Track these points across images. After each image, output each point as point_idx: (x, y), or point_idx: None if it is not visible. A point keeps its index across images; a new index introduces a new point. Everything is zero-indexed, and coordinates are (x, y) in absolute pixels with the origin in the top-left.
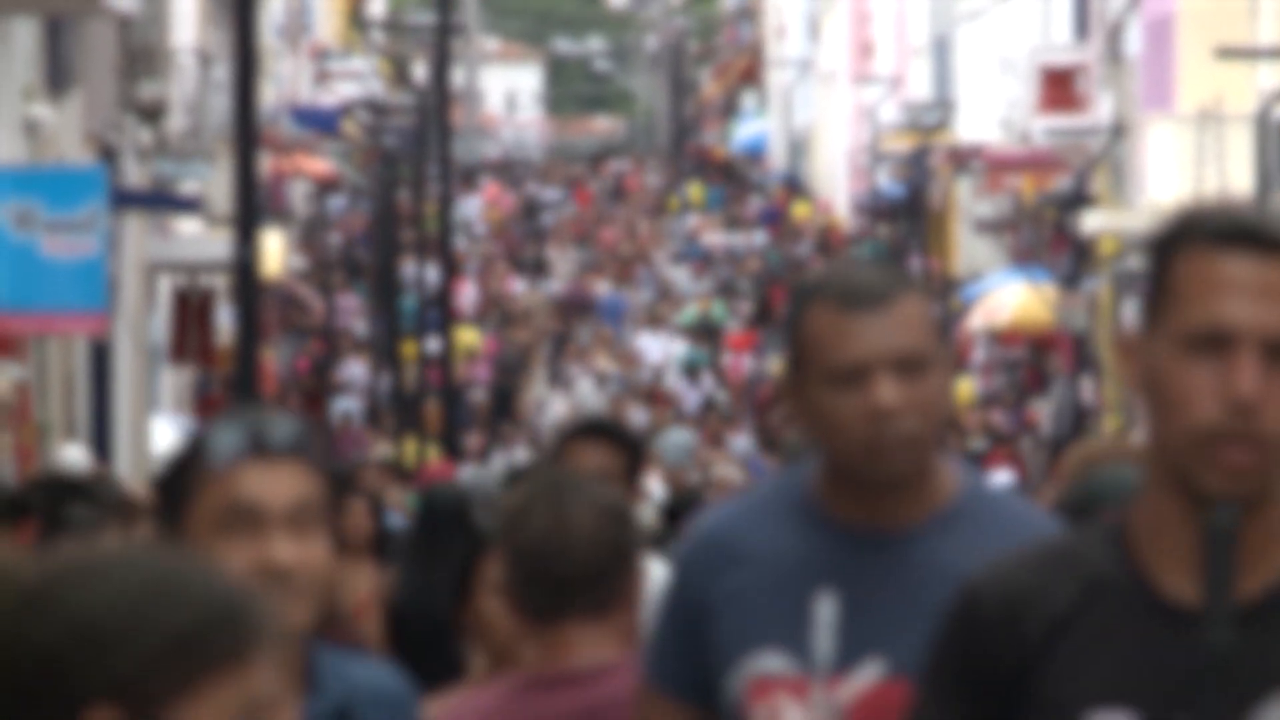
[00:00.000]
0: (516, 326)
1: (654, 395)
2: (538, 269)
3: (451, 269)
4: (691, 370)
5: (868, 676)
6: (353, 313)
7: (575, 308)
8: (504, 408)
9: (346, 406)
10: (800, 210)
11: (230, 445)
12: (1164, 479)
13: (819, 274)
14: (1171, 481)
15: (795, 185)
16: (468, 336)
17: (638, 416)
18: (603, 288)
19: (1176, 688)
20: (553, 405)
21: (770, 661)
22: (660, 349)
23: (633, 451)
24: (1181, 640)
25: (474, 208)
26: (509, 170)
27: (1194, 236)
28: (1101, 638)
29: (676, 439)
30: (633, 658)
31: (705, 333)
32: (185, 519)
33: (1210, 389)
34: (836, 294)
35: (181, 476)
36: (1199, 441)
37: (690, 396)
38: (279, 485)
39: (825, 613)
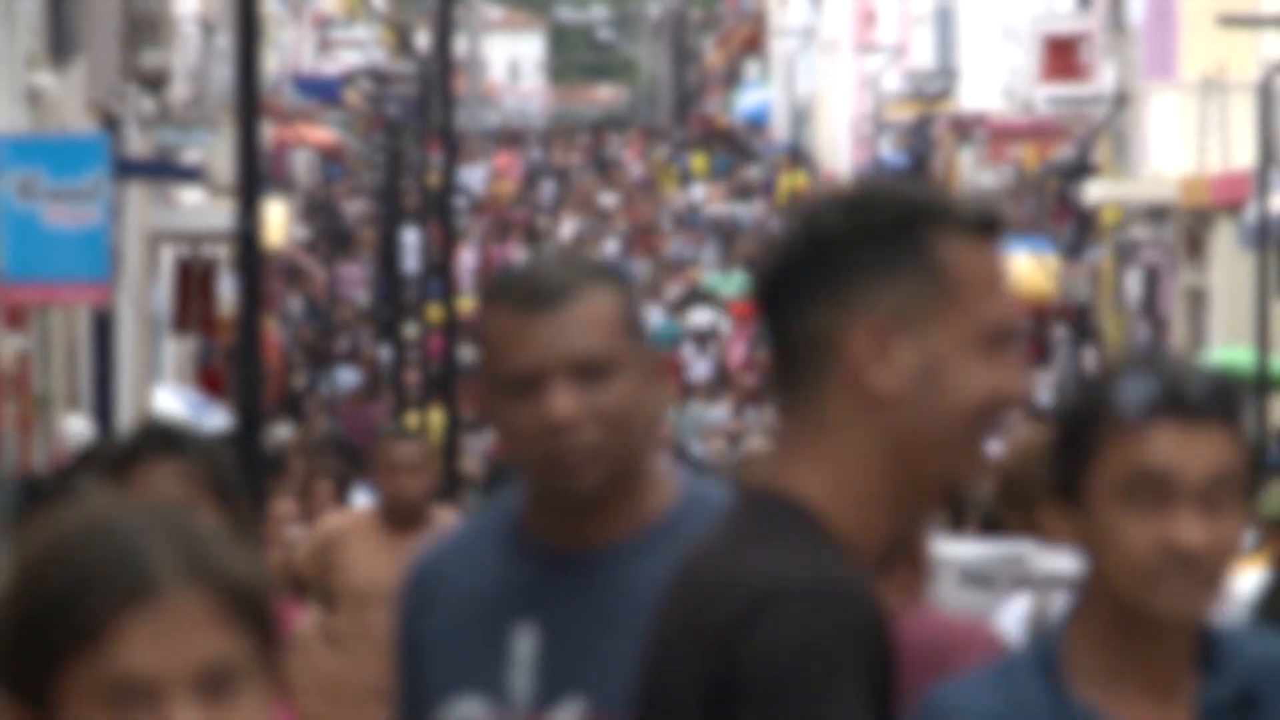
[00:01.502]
0: None
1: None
2: (532, 237)
3: (451, 238)
4: (668, 343)
5: (567, 717)
6: (354, 283)
7: None
8: None
9: (347, 377)
10: (795, 182)
11: (1144, 397)
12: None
13: (506, 270)
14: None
15: (798, 155)
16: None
17: None
18: (610, 252)
19: None
20: None
21: (467, 707)
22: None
23: None
24: None
25: (477, 177)
26: (518, 139)
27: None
28: None
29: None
30: (917, 607)
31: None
32: (1082, 477)
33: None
34: (513, 294)
35: (1081, 428)
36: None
37: (698, 365)
38: (1197, 452)
39: (523, 648)
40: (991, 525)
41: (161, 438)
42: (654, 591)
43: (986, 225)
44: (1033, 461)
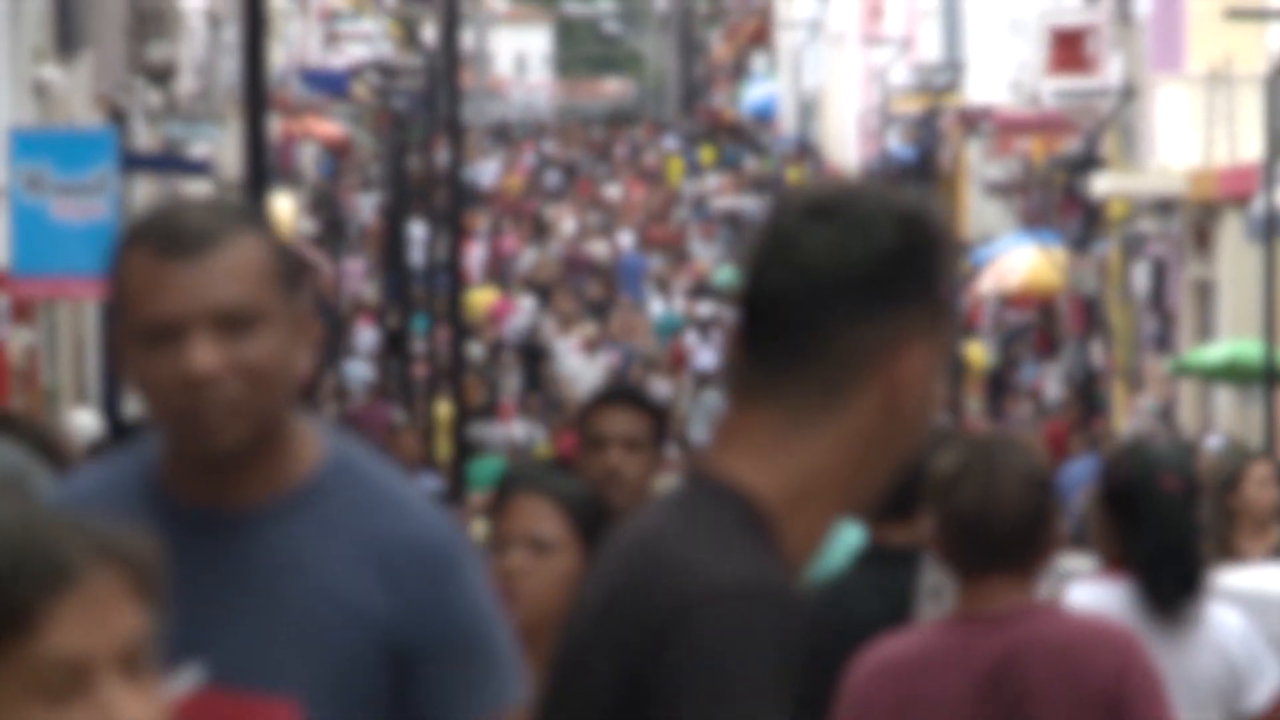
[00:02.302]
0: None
1: (671, 360)
2: (540, 230)
3: (460, 233)
4: (672, 333)
5: (184, 684)
6: (357, 277)
7: (578, 268)
8: (532, 372)
9: (358, 371)
10: (798, 176)
11: None
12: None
13: (148, 212)
14: None
15: (805, 148)
16: (481, 297)
17: (657, 386)
18: (625, 244)
19: None
20: (569, 363)
21: None
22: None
23: (657, 417)
24: None
25: (490, 172)
26: (525, 134)
27: None
28: None
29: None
30: (1043, 603)
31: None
32: None
33: None
34: (154, 238)
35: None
36: None
37: (702, 355)
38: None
39: None
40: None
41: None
42: (297, 558)
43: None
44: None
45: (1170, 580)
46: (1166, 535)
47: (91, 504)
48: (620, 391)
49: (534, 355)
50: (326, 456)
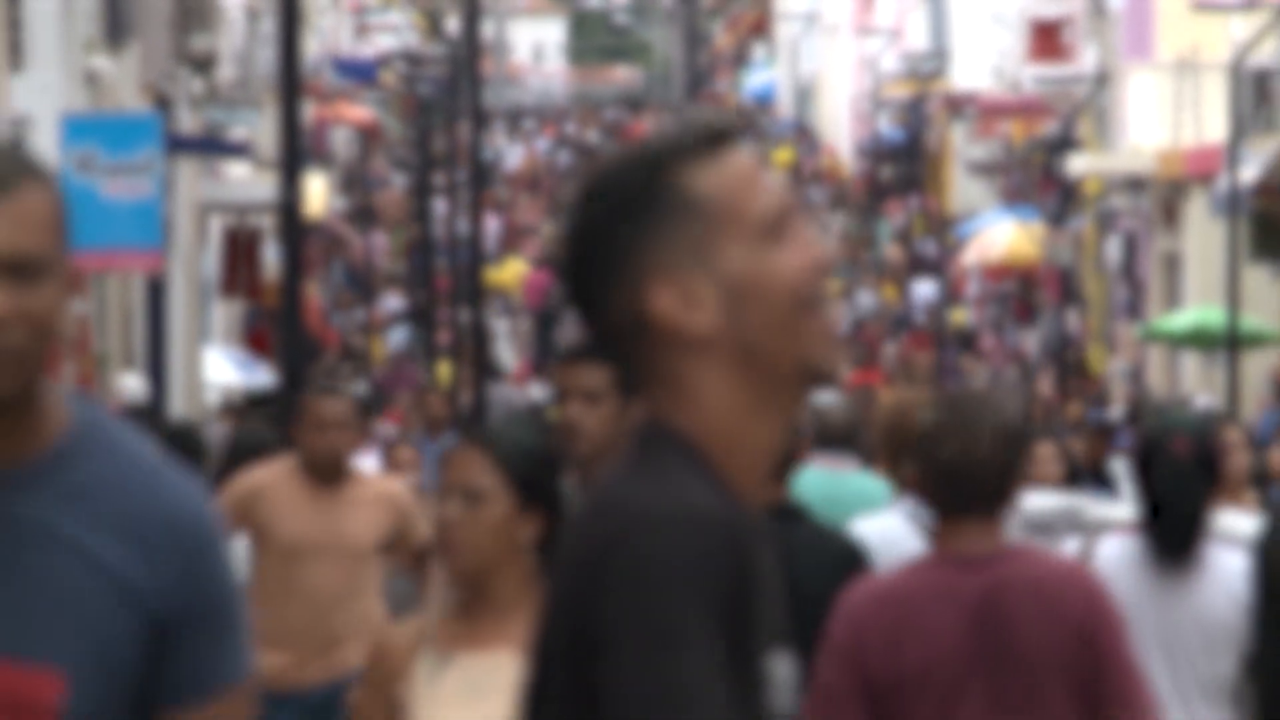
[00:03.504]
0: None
1: None
2: (557, 205)
3: (480, 209)
4: None
5: None
6: (382, 252)
7: None
8: (546, 335)
9: (399, 337)
10: (784, 156)
11: None
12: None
13: None
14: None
15: (802, 131)
16: (510, 270)
17: None
18: None
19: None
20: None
21: None
22: None
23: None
24: None
25: (516, 155)
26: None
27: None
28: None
29: None
30: (1017, 546)
31: None
32: None
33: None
34: None
35: None
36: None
37: None
38: None
39: None
40: (1079, 478)
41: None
42: (48, 528)
43: (716, 138)
44: (908, 418)
45: (1170, 533)
46: (1171, 493)
47: None
48: (579, 348)
49: (548, 322)
50: (74, 423)
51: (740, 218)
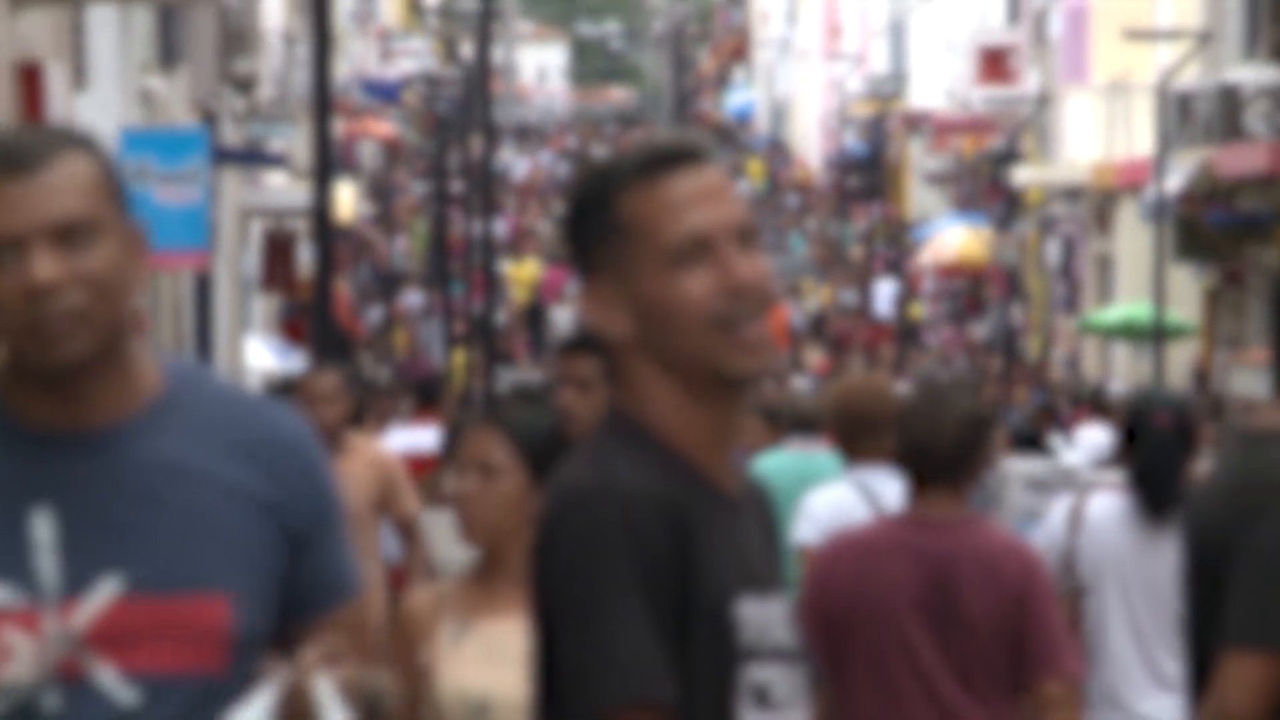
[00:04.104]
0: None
1: None
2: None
3: (491, 214)
4: None
5: (104, 596)
6: (403, 253)
7: None
8: (536, 326)
9: (428, 332)
10: (753, 168)
11: None
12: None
13: None
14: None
15: (777, 145)
16: (527, 269)
17: None
18: None
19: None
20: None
21: None
22: None
23: (608, 360)
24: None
25: (523, 168)
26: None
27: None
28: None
29: None
30: (973, 517)
31: None
32: None
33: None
34: None
35: None
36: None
37: None
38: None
39: (43, 532)
40: (1025, 443)
41: None
42: (175, 464)
43: (654, 163)
44: (879, 398)
45: (1153, 494)
46: (1152, 460)
47: None
48: (574, 339)
49: (536, 315)
50: (167, 372)
51: (653, 243)
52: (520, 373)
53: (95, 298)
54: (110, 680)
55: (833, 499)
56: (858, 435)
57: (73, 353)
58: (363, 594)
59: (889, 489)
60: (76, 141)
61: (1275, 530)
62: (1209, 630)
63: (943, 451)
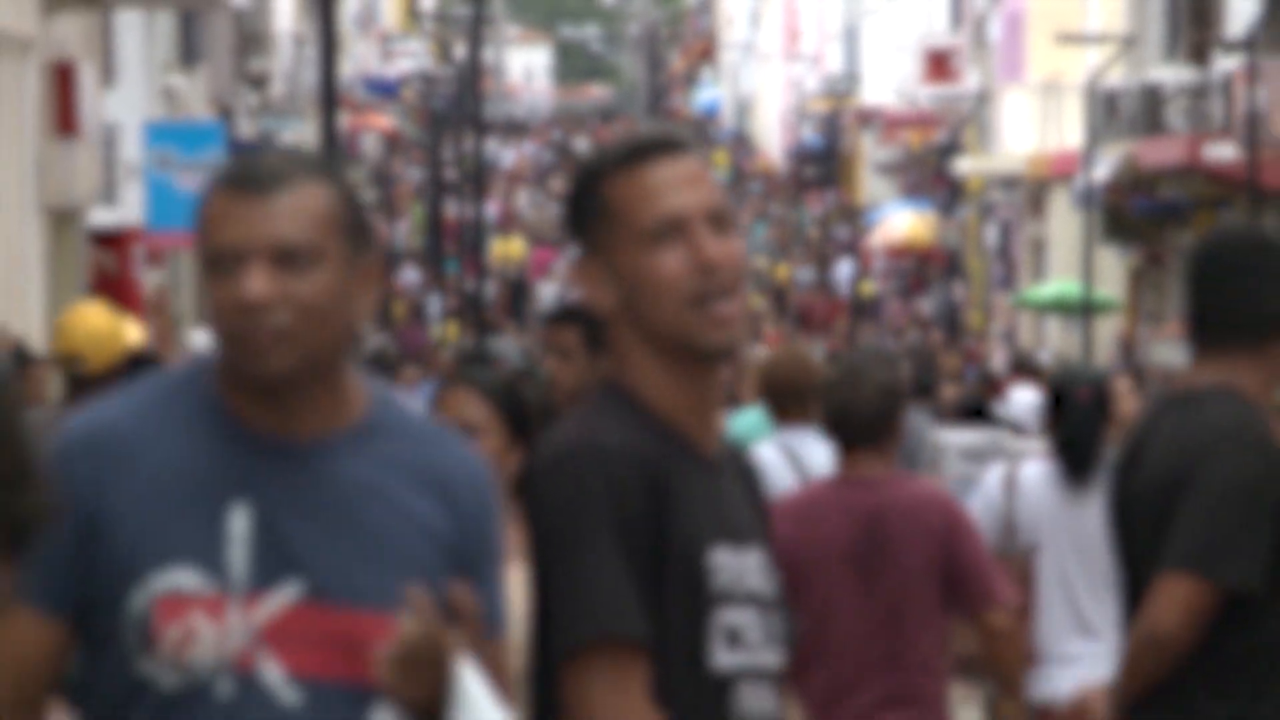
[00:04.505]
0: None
1: None
2: (545, 191)
3: (481, 198)
4: None
5: (285, 598)
6: (403, 234)
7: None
8: (519, 299)
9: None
10: (718, 159)
11: None
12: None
13: (235, 157)
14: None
15: (741, 138)
16: (514, 246)
17: None
18: None
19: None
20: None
21: (181, 578)
22: None
23: (589, 330)
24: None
25: (510, 157)
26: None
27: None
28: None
29: None
30: (897, 474)
31: None
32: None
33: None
34: (232, 178)
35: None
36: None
37: None
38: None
39: (239, 526)
40: (969, 413)
41: None
42: (370, 485)
43: (637, 153)
44: (803, 368)
45: (1076, 461)
46: (1073, 430)
47: (143, 427)
48: (558, 312)
49: (519, 290)
50: (373, 398)
51: (633, 223)
52: (504, 341)
53: (303, 320)
54: (276, 678)
55: (758, 459)
56: (783, 401)
57: (275, 368)
58: (504, 636)
59: (809, 450)
60: (319, 172)
61: (1224, 471)
62: (1151, 572)
63: (864, 417)
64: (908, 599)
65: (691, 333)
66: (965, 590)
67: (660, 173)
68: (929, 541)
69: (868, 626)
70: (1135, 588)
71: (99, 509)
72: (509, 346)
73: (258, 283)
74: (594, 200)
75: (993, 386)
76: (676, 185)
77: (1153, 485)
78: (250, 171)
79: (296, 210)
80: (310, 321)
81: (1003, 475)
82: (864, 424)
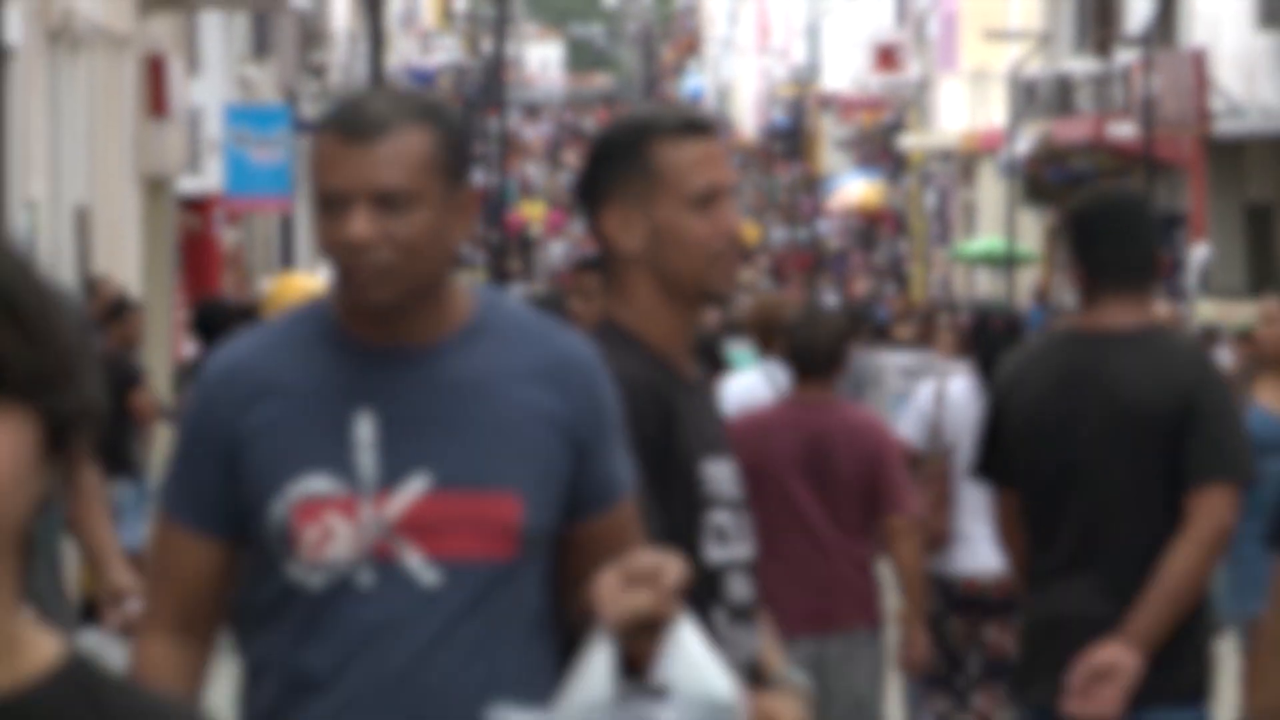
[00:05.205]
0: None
1: None
2: (555, 163)
3: (505, 169)
4: None
5: (414, 490)
6: None
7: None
8: (527, 254)
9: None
10: None
11: None
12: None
13: (344, 99)
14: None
15: (721, 120)
16: (535, 208)
17: None
18: None
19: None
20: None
21: (316, 483)
22: None
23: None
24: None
25: (529, 134)
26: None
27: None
28: None
29: None
30: (838, 399)
31: None
32: None
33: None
34: (339, 123)
35: None
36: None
37: None
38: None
39: (364, 432)
40: (883, 337)
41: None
42: (483, 379)
43: (688, 128)
44: (779, 309)
45: (992, 378)
46: (991, 352)
47: (274, 353)
48: (584, 260)
49: (528, 246)
50: (479, 301)
51: (679, 187)
52: (521, 289)
53: (403, 256)
54: (416, 562)
55: (745, 384)
56: (768, 335)
57: (377, 298)
58: (631, 492)
59: (785, 377)
60: (421, 113)
61: (1223, 393)
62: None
63: (818, 354)
64: (841, 505)
65: (709, 280)
66: (880, 499)
67: (705, 147)
68: (862, 458)
69: (806, 525)
70: (1053, 492)
71: (237, 433)
72: (523, 291)
73: (360, 224)
74: (640, 158)
75: (931, 324)
76: (716, 160)
77: (1135, 413)
78: (356, 117)
79: (396, 156)
80: (409, 257)
81: (934, 390)
82: (820, 359)
